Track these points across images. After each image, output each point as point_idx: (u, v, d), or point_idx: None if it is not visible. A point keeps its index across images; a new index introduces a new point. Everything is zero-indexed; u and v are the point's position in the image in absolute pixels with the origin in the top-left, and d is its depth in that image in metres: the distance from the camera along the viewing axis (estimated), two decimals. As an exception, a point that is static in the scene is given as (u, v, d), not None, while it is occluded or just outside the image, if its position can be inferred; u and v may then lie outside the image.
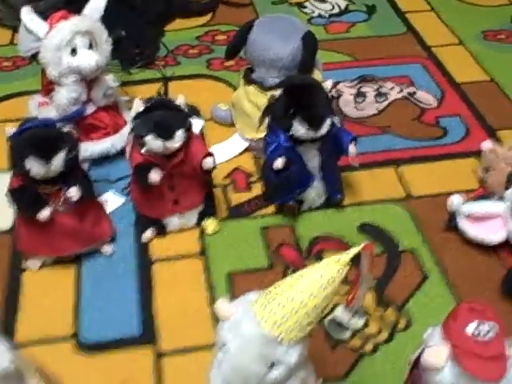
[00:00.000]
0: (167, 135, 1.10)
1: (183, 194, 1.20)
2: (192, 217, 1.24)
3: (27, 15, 1.29)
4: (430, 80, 1.70)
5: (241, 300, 0.82)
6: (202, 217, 1.24)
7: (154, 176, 1.11)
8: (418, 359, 0.84)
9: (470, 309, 0.81)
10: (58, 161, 1.05)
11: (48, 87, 1.33)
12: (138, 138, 1.11)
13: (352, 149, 1.20)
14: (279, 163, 1.16)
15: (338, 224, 1.27)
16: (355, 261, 0.79)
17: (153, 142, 1.10)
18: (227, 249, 1.22)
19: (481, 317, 0.80)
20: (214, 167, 1.15)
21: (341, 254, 0.78)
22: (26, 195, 1.08)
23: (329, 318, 1.08)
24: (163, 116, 1.11)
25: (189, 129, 1.13)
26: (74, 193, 1.08)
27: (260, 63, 1.35)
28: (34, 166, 1.04)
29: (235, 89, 1.51)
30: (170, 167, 1.14)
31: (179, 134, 1.11)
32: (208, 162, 1.13)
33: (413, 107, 1.60)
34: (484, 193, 1.27)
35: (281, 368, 0.78)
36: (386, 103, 1.61)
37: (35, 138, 1.05)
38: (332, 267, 0.77)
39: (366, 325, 1.09)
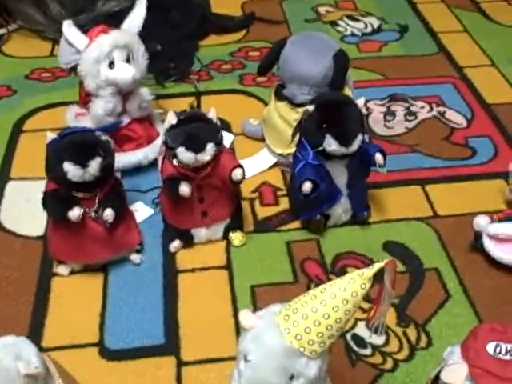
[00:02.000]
0: (198, 148, 1.13)
1: (212, 206, 1.22)
2: (219, 229, 1.26)
3: (68, 28, 1.34)
4: (460, 100, 1.70)
5: (264, 311, 0.84)
6: (228, 230, 1.26)
7: (185, 189, 1.14)
8: (437, 377, 0.85)
9: (490, 329, 0.82)
10: (94, 166, 1.09)
11: (85, 99, 1.38)
12: (169, 150, 1.14)
13: (379, 157, 1.20)
14: (307, 187, 1.18)
15: (362, 241, 1.28)
16: (378, 278, 0.81)
17: (184, 154, 1.13)
18: (252, 262, 1.24)
19: (501, 337, 0.80)
20: (243, 178, 1.17)
21: (364, 268, 0.79)
22: (58, 197, 1.12)
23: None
24: (195, 129, 1.14)
25: (220, 142, 1.16)
26: (109, 216, 1.13)
27: (291, 80, 1.38)
28: (71, 170, 1.08)
29: (266, 104, 1.54)
30: (199, 179, 1.17)
31: (210, 147, 1.14)
32: (237, 174, 1.15)
33: (442, 127, 1.61)
34: (511, 214, 1.27)
35: (300, 381, 0.79)
36: (415, 122, 1.62)
37: (73, 143, 1.10)
38: (355, 281, 0.78)
39: (386, 342, 1.10)
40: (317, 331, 0.77)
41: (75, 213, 1.10)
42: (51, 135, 1.12)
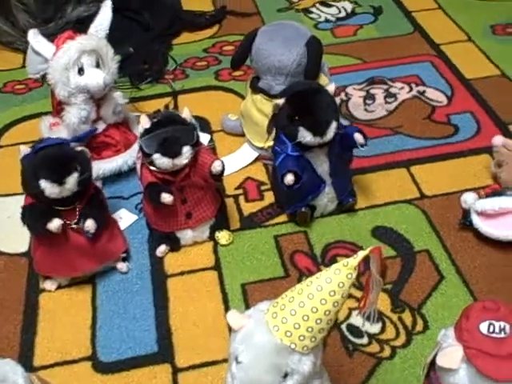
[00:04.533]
0: (174, 153, 1.10)
1: (195, 207, 1.20)
2: (205, 230, 1.24)
3: (34, 38, 1.31)
4: (439, 78, 1.69)
5: (252, 310, 0.82)
6: (214, 229, 1.25)
7: (167, 198, 1.12)
8: (434, 361, 0.84)
9: (482, 308, 0.81)
10: (72, 181, 1.06)
11: (58, 108, 1.35)
12: (145, 157, 1.12)
13: (358, 136, 1.17)
14: (290, 179, 1.16)
15: (351, 228, 1.27)
16: (368, 265, 0.79)
17: (160, 160, 1.10)
18: (241, 260, 1.22)
19: (494, 315, 0.79)
20: (223, 171, 1.14)
21: (349, 258, 0.78)
22: (37, 210, 1.10)
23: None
24: (169, 132, 1.11)
25: (195, 144, 1.14)
26: (90, 226, 1.10)
27: (265, 71, 1.36)
28: (48, 187, 1.05)
29: (244, 98, 1.52)
30: (179, 180, 1.15)
31: (186, 150, 1.11)
32: (216, 166, 1.12)
33: (423, 106, 1.59)
34: (498, 188, 1.25)
35: (295, 377, 0.77)
36: (395, 104, 1.61)
37: (48, 159, 1.07)
38: (341, 272, 0.77)
39: (382, 329, 1.08)
40: (306, 326, 0.76)
41: (54, 224, 1.07)
42: (24, 149, 1.09)
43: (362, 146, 1.18)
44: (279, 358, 0.76)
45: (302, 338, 0.76)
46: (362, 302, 0.85)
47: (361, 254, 0.77)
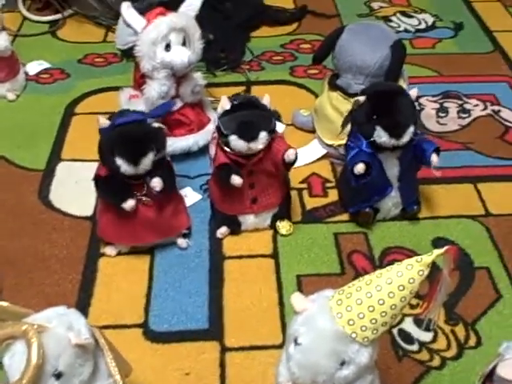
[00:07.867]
0: (251, 136, 1.11)
1: (262, 193, 1.21)
2: (267, 217, 1.25)
3: (127, 10, 1.34)
4: (515, 99, 1.66)
5: (317, 295, 0.82)
6: (276, 218, 1.25)
7: (237, 180, 1.13)
8: (490, 373, 0.82)
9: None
10: (147, 162, 1.09)
11: (140, 81, 1.38)
12: (222, 137, 1.13)
13: (434, 158, 1.18)
14: (360, 168, 1.16)
15: (412, 236, 1.26)
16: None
17: (236, 142, 1.12)
18: (299, 252, 1.22)
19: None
20: (296, 160, 1.15)
21: (423, 255, 0.77)
22: (112, 184, 1.12)
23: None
24: (248, 116, 1.12)
25: (273, 130, 1.14)
26: (157, 183, 1.11)
27: (347, 69, 1.36)
28: (123, 165, 1.08)
29: (317, 96, 1.52)
30: (250, 164, 1.16)
31: (263, 136, 1.12)
32: (290, 154, 1.13)
33: (497, 125, 1.57)
34: None
35: (351, 367, 0.77)
36: (469, 120, 1.59)
37: (126, 137, 1.08)
38: (413, 267, 0.76)
39: (434, 339, 1.07)
40: (371, 317, 0.76)
41: (129, 204, 1.11)
42: (103, 120, 1.10)
43: (435, 168, 1.17)
44: (339, 344, 0.76)
45: (364, 328, 0.76)
46: (425, 304, 0.84)
47: (436, 252, 0.76)
